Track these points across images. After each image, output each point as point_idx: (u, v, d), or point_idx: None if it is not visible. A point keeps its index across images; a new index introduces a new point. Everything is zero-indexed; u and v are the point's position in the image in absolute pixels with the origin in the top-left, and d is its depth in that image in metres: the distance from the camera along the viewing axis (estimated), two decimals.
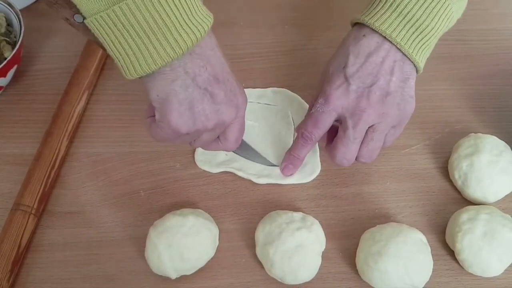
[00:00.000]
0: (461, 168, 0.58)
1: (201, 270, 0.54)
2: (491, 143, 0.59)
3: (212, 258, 0.55)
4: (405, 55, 0.52)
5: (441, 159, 0.62)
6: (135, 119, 0.65)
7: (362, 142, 0.54)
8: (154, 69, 0.44)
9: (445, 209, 0.58)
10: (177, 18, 0.43)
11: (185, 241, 0.52)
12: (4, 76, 0.66)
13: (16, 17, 0.69)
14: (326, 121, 0.54)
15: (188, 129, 0.48)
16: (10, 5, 0.69)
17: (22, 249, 0.55)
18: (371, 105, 0.52)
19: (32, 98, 0.69)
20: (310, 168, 0.61)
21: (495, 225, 0.52)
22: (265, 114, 0.66)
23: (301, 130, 0.57)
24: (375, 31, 0.52)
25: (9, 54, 0.66)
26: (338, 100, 0.53)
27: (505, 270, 0.53)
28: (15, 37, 0.69)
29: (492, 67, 0.71)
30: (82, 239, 0.57)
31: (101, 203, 0.59)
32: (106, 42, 0.44)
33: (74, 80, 0.68)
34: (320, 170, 0.61)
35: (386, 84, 0.52)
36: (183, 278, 0.53)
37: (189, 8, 0.44)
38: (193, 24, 0.44)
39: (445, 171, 0.61)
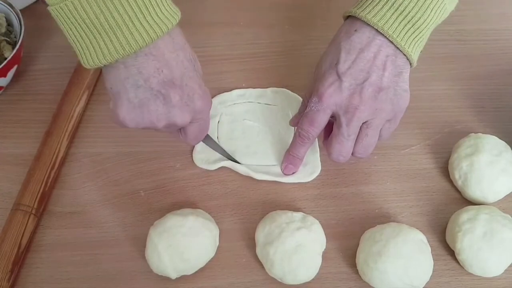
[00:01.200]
0: (461, 168, 0.58)
1: (201, 270, 0.54)
2: (491, 143, 0.59)
3: (212, 258, 0.55)
4: (397, 48, 0.52)
5: (441, 159, 0.62)
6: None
7: (357, 138, 0.54)
8: (104, 63, 0.45)
9: (445, 209, 0.58)
10: (130, 17, 0.44)
11: (185, 241, 0.52)
12: (4, 76, 0.66)
13: (16, 17, 0.69)
14: (322, 119, 0.54)
15: (136, 125, 0.49)
16: (10, 5, 0.69)
17: (22, 249, 0.55)
18: (363, 102, 0.52)
19: (32, 98, 0.69)
20: (310, 168, 0.61)
21: (495, 225, 0.52)
22: (265, 114, 0.66)
23: (298, 130, 0.57)
24: (367, 24, 0.52)
25: (9, 54, 0.66)
26: (331, 98, 0.53)
27: (505, 270, 0.53)
28: (15, 37, 0.69)
29: (492, 67, 0.71)
30: (82, 239, 0.57)
31: (101, 203, 0.59)
32: (65, 31, 0.46)
33: (74, 80, 0.68)
34: (320, 170, 0.61)
35: (379, 79, 0.52)
36: (183, 278, 0.53)
37: (146, 8, 0.45)
38: (148, 24, 0.45)
39: (445, 171, 0.61)
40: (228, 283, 0.54)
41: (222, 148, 0.62)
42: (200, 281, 0.54)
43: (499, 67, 0.71)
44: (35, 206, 0.57)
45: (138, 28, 0.44)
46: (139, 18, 0.44)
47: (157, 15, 0.45)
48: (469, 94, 0.68)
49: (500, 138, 0.60)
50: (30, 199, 0.57)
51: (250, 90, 0.69)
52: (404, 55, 0.52)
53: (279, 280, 0.53)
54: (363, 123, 0.53)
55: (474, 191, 0.57)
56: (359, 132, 0.54)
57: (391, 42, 0.51)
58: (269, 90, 0.69)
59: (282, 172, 0.61)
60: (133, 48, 0.45)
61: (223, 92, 0.68)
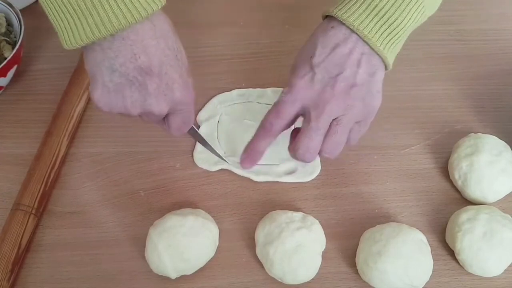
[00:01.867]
0: (461, 168, 0.58)
1: (201, 270, 0.54)
2: (491, 143, 0.59)
3: (212, 258, 0.55)
4: (372, 48, 0.51)
5: (441, 159, 0.62)
6: (135, 119, 0.65)
7: (326, 135, 0.52)
8: (81, 44, 0.44)
9: (445, 209, 0.58)
10: None
11: (185, 241, 0.52)
12: (4, 76, 0.66)
13: (16, 17, 0.69)
14: (288, 111, 0.52)
15: (109, 110, 0.48)
16: (10, 5, 0.69)
17: (22, 249, 0.55)
18: (335, 96, 0.51)
19: (32, 98, 0.69)
20: (310, 168, 0.61)
21: (495, 225, 0.52)
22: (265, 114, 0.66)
23: (262, 121, 0.55)
24: (343, 23, 0.51)
25: (9, 54, 0.66)
26: (302, 90, 0.51)
27: (505, 270, 0.53)
28: (15, 37, 0.69)
29: (492, 67, 0.71)
30: (82, 239, 0.57)
31: (101, 203, 0.59)
32: (46, 11, 0.45)
33: (74, 80, 0.68)
34: (320, 170, 0.61)
35: (352, 75, 0.51)
36: (183, 278, 0.53)
37: None
38: (126, 7, 0.44)
39: (445, 171, 0.61)
40: (228, 283, 0.54)
41: (209, 145, 0.61)
42: (200, 281, 0.54)
43: (499, 67, 0.71)
44: (35, 206, 0.57)
45: (114, 10, 0.43)
46: (117, 0, 0.44)
47: (138, 0, 0.44)
48: (469, 94, 0.68)
49: (500, 138, 0.60)
50: (30, 199, 0.57)
51: (250, 90, 0.69)
52: (379, 56, 0.51)
53: (279, 280, 0.53)
54: (333, 120, 0.52)
55: (474, 191, 0.57)
56: (328, 129, 0.52)
57: (366, 41, 0.51)
58: (269, 90, 0.69)
59: (240, 165, 0.57)
60: (108, 31, 0.44)
61: (223, 92, 0.68)
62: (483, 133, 0.61)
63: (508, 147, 0.59)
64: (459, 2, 0.78)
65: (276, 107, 0.53)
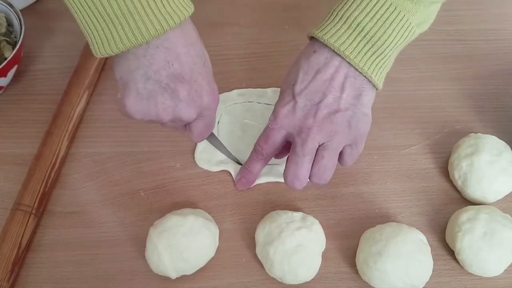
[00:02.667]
0: (461, 168, 0.58)
1: (201, 270, 0.54)
2: (491, 143, 0.59)
3: (212, 258, 0.55)
4: (356, 69, 0.50)
5: (441, 159, 0.62)
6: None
7: (313, 161, 0.52)
8: (116, 52, 0.44)
9: (445, 209, 0.58)
10: (142, 6, 0.44)
11: (185, 241, 0.52)
12: (5, 76, 0.66)
13: (17, 17, 0.69)
14: (275, 138, 0.54)
15: (142, 117, 0.48)
16: (10, 5, 0.69)
17: (22, 249, 0.55)
18: (317, 123, 0.51)
19: (32, 98, 0.69)
20: None
21: (495, 225, 0.52)
22: (265, 114, 0.66)
23: (255, 144, 0.57)
24: (325, 45, 0.50)
25: (9, 54, 0.66)
26: (285, 118, 0.52)
27: (505, 270, 0.53)
28: (15, 37, 0.69)
29: (492, 67, 0.71)
30: (82, 239, 0.57)
31: (101, 203, 0.59)
32: (78, 18, 0.45)
33: (74, 80, 0.68)
34: None
35: (335, 101, 0.51)
36: (183, 278, 0.53)
37: None
38: (161, 14, 0.44)
39: (445, 171, 0.61)
40: (228, 283, 0.54)
41: (226, 148, 0.62)
42: (200, 281, 0.54)
43: (499, 67, 0.71)
44: (35, 206, 0.57)
45: (150, 17, 0.44)
46: (152, 7, 0.44)
47: (170, 6, 0.45)
48: (469, 94, 0.68)
49: (500, 138, 0.60)
50: (30, 199, 0.57)
51: (250, 90, 0.69)
52: (365, 77, 0.51)
53: (279, 280, 0.53)
54: (320, 145, 0.52)
55: (474, 191, 0.57)
56: (315, 155, 0.52)
57: (349, 63, 0.50)
58: (269, 90, 0.69)
59: (235, 186, 0.60)
60: (145, 38, 0.44)
61: (223, 92, 0.68)
62: (483, 133, 0.61)
63: (508, 147, 0.59)
64: (459, 2, 0.78)
65: (265, 133, 0.55)
